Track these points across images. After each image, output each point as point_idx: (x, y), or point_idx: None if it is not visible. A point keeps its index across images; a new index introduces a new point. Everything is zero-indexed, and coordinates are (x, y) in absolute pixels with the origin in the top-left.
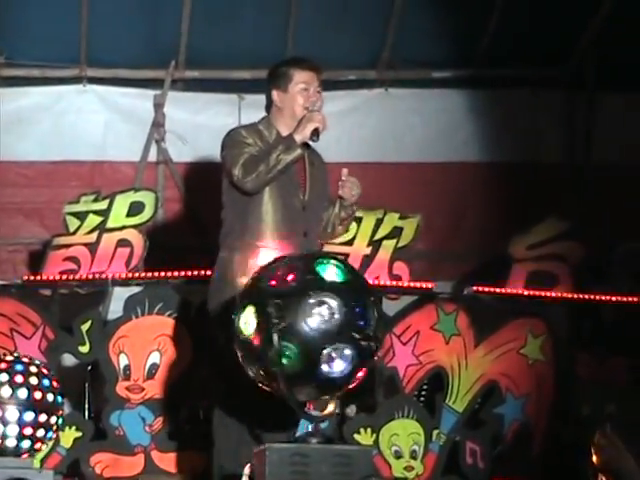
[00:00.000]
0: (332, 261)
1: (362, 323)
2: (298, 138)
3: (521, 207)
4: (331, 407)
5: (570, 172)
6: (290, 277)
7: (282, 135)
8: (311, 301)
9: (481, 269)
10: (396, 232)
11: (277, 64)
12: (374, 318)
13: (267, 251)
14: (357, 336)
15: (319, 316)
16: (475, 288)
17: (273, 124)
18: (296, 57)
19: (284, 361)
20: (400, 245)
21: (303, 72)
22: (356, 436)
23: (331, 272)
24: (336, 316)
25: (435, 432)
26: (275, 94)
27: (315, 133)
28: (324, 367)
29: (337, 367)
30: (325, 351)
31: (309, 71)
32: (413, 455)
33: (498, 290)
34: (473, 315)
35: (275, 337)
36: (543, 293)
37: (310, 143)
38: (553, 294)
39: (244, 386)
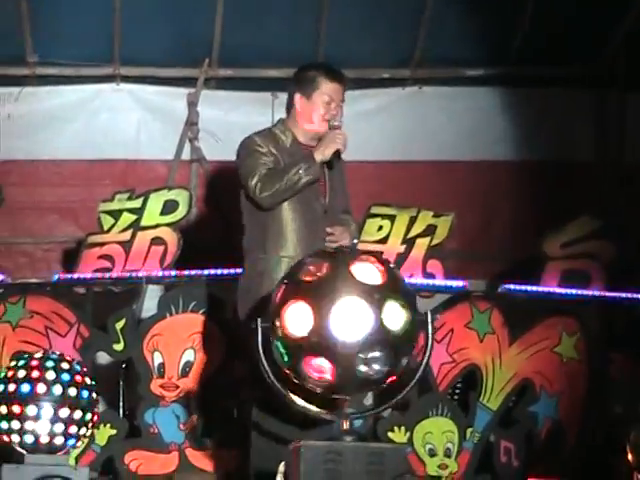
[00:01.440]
0: None
1: None
2: (319, 158)
3: (554, 205)
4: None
5: (602, 170)
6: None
7: (298, 140)
8: None
9: (514, 267)
10: (430, 230)
11: (305, 66)
12: None
13: (290, 261)
14: None
15: None
16: (509, 286)
17: (290, 128)
18: (326, 65)
19: None
20: (434, 243)
21: (331, 84)
22: (390, 434)
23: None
24: None
25: (469, 430)
26: (298, 97)
27: (336, 154)
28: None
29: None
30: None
31: (337, 83)
32: (447, 453)
33: (532, 288)
34: (507, 313)
35: None
36: (576, 291)
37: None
38: (586, 292)
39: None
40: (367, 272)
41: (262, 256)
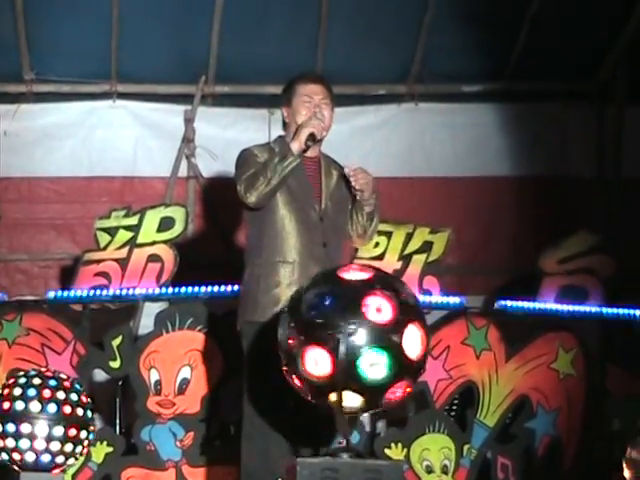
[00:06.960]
0: None
1: None
2: (295, 146)
3: (551, 221)
4: None
5: (600, 186)
6: None
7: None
8: None
9: (512, 283)
10: (426, 247)
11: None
12: None
13: (286, 266)
14: None
15: None
16: (506, 302)
17: (286, 141)
18: (303, 72)
19: None
20: (430, 259)
21: (305, 85)
22: (387, 451)
23: None
24: None
25: (466, 447)
26: (284, 110)
27: (311, 138)
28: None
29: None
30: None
31: (312, 83)
32: (444, 470)
33: (528, 304)
34: (504, 329)
35: None
36: (574, 307)
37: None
38: (584, 308)
39: (274, 402)
40: None
41: (258, 261)
